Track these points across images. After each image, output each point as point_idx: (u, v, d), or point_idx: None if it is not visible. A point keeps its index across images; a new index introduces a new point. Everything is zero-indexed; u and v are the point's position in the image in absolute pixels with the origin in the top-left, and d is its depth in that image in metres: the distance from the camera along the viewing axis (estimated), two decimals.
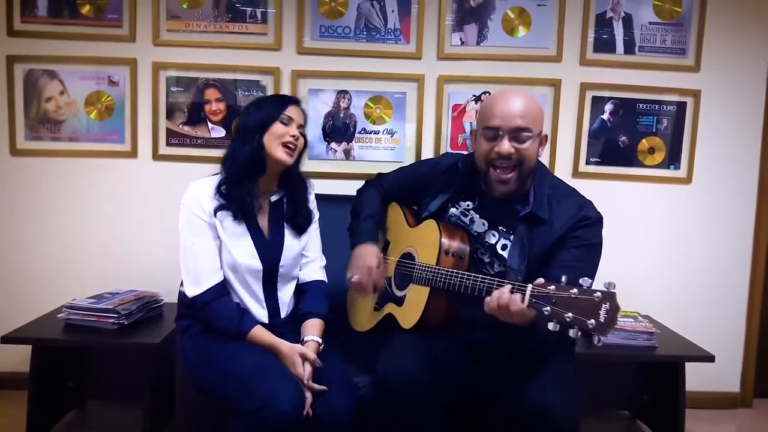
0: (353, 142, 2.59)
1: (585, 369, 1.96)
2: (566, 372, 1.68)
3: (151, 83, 2.51)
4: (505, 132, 1.66)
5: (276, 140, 1.79)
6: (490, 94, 2.52)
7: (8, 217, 2.56)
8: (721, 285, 2.68)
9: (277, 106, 1.83)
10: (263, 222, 1.85)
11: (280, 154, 1.79)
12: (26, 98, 2.51)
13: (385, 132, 2.59)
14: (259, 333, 1.74)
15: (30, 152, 2.53)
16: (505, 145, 1.66)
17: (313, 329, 1.82)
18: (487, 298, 1.49)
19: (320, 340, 1.79)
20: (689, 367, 2.23)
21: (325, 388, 1.65)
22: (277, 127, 1.80)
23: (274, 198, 1.88)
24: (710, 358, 2.18)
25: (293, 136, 1.80)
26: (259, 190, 1.85)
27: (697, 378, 2.48)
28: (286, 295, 1.88)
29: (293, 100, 1.87)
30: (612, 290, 1.30)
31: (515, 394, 1.54)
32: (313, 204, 1.98)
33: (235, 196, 1.78)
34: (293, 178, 1.91)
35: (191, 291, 1.77)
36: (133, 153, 2.55)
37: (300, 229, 1.91)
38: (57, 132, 2.53)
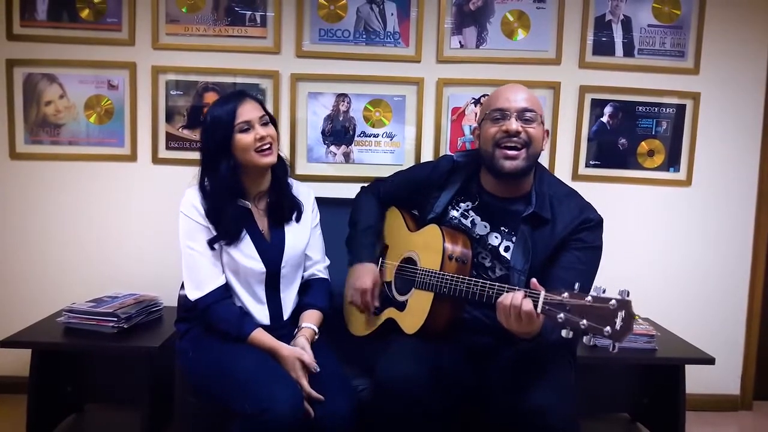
0: (353, 145, 2.59)
1: (585, 372, 1.96)
2: (565, 374, 1.68)
3: (150, 87, 2.51)
4: (512, 112, 1.71)
5: (247, 152, 1.73)
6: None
7: (8, 220, 2.56)
8: (721, 287, 2.68)
9: (225, 118, 1.72)
10: (262, 223, 1.84)
11: (261, 160, 1.74)
12: (26, 102, 2.51)
13: (384, 135, 2.59)
14: (260, 336, 1.74)
15: (29, 156, 2.53)
16: (514, 124, 1.70)
17: (310, 318, 1.83)
18: (500, 298, 1.48)
19: (316, 328, 1.80)
20: (689, 369, 2.23)
21: (322, 398, 1.65)
22: (240, 139, 1.72)
23: (270, 198, 1.86)
24: (710, 361, 2.18)
25: (261, 138, 1.73)
26: (250, 194, 1.83)
27: (697, 380, 2.47)
28: (288, 297, 1.88)
29: (238, 101, 1.74)
30: (627, 298, 1.30)
31: (514, 396, 1.54)
32: (299, 191, 1.92)
33: (225, 222, 1.75)
34: (275, 168, 1.84)
35: (193, 294, 1.77)
36: (132, 157, 2.55)
37: (286, 217, 1.85)
38: (56, 136, 2.53)
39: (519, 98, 1.73)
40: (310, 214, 1.94)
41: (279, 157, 1.83)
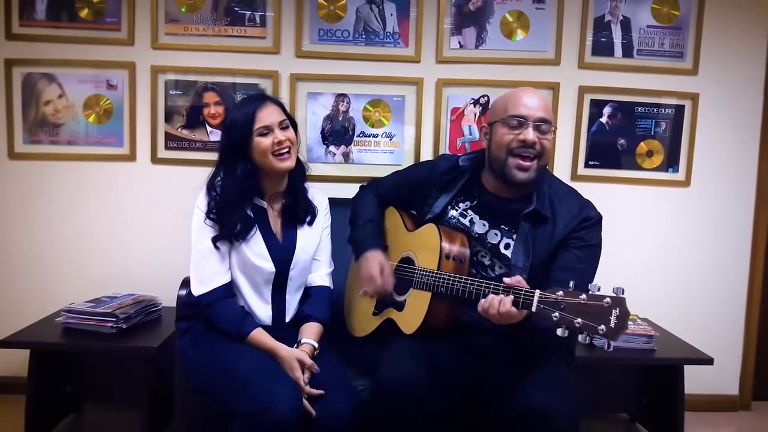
0: (352, 145, 2.59)
1: (584, 372, 1.96)
2: (566, 375, 1.68)
3: (149, 87, 2.51)
4: (530, 121, 1.69)
5: (265, 155, 1.75)
6: (489, 97, 2.53)
7: (6, 220, 2.55)
8: (720, 287, 2.68)
9: (245, 120, 1.74)
10: (275, 223, 1.85)
11: (279, 164, 1.77)
12: (24, 102, 2.50)
13: (383, 135, 2.59)
14: (259, 336, 1.74)
15: (28, 156, 2.53)
16: (531, 133, 1.68)
17: (310, 332, 1.82)
18: (481, 301, 1.51)
19: (316, 344, 1.79)
20: (688, 369, 2.24)
21: (322, 392, 1.65)
22: (259, 143, 1.75)
23: (286, 200, 1.87)
24: (709, 361, 2.18)
25: (279, 142, 1.75)
26: (266, 195, 1.84)
27: (696, 381, 2.48)
28: (293, 299, 1.89)
29: (260, 104, 1.77)
30: (621, 295, 1.31)
31: (516, 397, 1.54)
32: (314, 195, 1.94)
33: (232, 222, 1.75)
34: (293, 171, 1.86)
35: (197, 290, 1.78)
36: (131, 156, 2.55)
37: (299, 220, 1.87)
38: (55, 135, 2.53)
39: (537, 106, 1.71)
40: (323, 218, 1.95)
41: (298, 160, 1.85)
